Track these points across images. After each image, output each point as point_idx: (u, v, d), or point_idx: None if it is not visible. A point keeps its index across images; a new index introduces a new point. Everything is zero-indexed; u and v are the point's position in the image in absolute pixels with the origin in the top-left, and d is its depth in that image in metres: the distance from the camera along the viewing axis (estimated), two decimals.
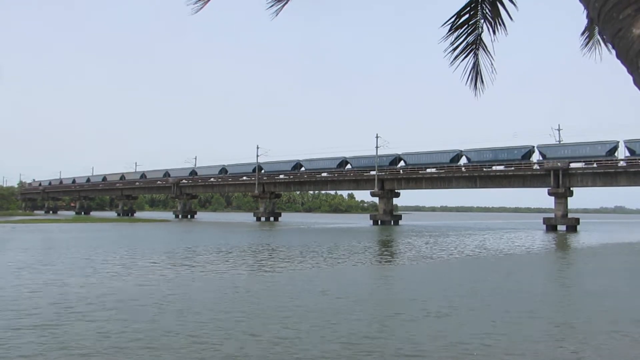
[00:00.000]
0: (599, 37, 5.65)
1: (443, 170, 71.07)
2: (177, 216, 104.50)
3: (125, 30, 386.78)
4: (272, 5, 6.19)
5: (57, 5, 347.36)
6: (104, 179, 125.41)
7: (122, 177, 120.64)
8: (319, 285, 16.94)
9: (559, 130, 66.27)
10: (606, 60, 5.64)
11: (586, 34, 5.86)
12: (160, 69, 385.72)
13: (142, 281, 17.38)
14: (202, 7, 5.59)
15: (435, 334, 10.53)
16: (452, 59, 5.31)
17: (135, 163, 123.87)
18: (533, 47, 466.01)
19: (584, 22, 5.54)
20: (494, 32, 5.29)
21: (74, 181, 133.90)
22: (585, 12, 5.62)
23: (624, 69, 3.47)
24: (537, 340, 10.21)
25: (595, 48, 5.84)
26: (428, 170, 72.77)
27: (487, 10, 5.46)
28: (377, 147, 76.88)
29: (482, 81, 5.55)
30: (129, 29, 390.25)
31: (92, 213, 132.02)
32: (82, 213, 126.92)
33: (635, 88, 3.33)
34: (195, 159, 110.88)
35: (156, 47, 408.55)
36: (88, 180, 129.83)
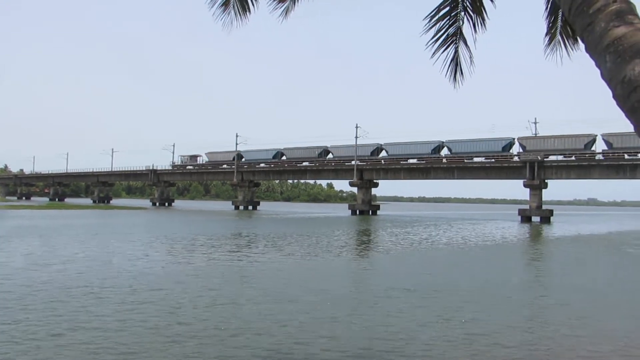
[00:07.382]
0: (559, 38, 5.81)
1: (423, 161, 71.89)
2: (154, 204, 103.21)
3: (125, 30, 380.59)
4: (275, 8, 6.28)
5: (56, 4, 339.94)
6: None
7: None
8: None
9: (535, 123, 67.51)
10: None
11: (548, 36, 6.03)
12: (161, 67, 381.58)
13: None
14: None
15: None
16: (432, 51, 5.38)
17: (112, 149, 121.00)
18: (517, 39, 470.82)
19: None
20: (474, 27, 5.38)
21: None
22: (545, 14, 5.78)
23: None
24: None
25: (557, 49, 5.99)
26: (410, 160, 73.79)
27: (467, 3, 5.55)
28: (356, 137, 77.21)
29: (462, 73, 5.63)
30: (129, 29, 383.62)
31: (67, 200, 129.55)
32: (57, 200, 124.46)
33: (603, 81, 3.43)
34: (174, 146, 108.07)
35: (153, 45, 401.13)
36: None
